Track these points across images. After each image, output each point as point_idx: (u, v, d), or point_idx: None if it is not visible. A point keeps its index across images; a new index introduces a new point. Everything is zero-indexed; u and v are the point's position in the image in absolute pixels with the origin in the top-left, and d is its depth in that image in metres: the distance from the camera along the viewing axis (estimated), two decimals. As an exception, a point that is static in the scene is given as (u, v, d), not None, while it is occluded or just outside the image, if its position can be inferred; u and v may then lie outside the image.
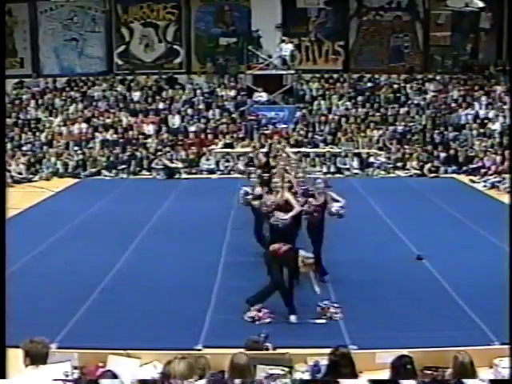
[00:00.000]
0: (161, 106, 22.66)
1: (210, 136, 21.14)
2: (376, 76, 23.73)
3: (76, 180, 19.02)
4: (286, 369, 4.91)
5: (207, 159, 20.15)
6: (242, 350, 5.28)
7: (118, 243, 11.43)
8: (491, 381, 4.59)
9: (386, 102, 22.67)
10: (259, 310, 8.02)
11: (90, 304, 8.54)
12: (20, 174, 18.92)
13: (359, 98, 22.70)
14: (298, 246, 8.54)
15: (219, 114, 22.24)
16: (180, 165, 19.59)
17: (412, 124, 21.49)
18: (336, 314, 7.98)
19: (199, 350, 6.89)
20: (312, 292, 8.19)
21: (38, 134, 21.18)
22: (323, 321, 7.88)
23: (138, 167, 19.90)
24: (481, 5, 21.76)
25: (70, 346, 6.38)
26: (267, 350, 5.86)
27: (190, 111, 22.27)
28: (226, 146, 20.74)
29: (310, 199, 9.12)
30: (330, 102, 22.71)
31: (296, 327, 7.72)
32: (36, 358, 4.29)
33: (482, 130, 20.69)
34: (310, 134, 21.31)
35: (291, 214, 8.77)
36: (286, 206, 8.90)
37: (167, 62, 24.50)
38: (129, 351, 5.54)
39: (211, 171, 19.87)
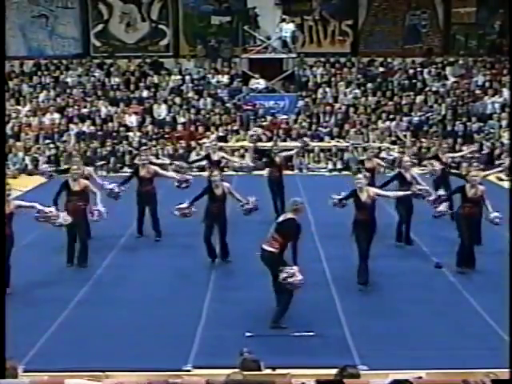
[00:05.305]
0: (145, 93, 22.66)
1: (200, 128, 21.14)
2: (389, 60, 23.78)
3: (47, 178, 18.97)
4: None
5: (198, 154, 20.13)
6: (236, 370, 5.27)
7: (94, 250, 11.37)
8: (492, 381, 4.65)
9: (400, 89, 22.70)
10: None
11: (63, 319, 8.50)
12: (-17, 171, 18.91)
13: (369, 85, 22.73)
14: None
15: (211, 104, 22.25)
16: (167, 161, 19.54)
17: (430, 114, 21.51)
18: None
19: (188, 370, 6.87)
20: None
21: (3, 125, 21.19)
22: (311, 333, 7.88)
23: (119, 163, 19.89)
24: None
25: (39, 368, 6.35)
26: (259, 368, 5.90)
27: (177, 100, 22.26)
28: (219, 139, 20.73)
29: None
30: (337, 90, 22.72)
31: (298, 344, 7.70)
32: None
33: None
34: (313, 126, 21.33)
35: None
36: None
37: (152, 44, 24.49)
38: (107, 373, 5.52)
39: (202, 168, 19.82)
